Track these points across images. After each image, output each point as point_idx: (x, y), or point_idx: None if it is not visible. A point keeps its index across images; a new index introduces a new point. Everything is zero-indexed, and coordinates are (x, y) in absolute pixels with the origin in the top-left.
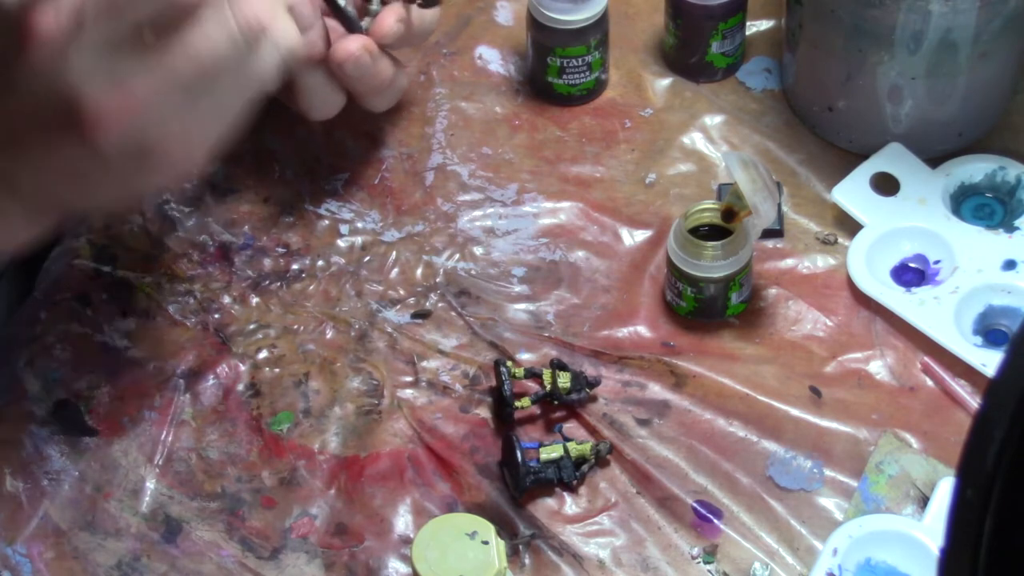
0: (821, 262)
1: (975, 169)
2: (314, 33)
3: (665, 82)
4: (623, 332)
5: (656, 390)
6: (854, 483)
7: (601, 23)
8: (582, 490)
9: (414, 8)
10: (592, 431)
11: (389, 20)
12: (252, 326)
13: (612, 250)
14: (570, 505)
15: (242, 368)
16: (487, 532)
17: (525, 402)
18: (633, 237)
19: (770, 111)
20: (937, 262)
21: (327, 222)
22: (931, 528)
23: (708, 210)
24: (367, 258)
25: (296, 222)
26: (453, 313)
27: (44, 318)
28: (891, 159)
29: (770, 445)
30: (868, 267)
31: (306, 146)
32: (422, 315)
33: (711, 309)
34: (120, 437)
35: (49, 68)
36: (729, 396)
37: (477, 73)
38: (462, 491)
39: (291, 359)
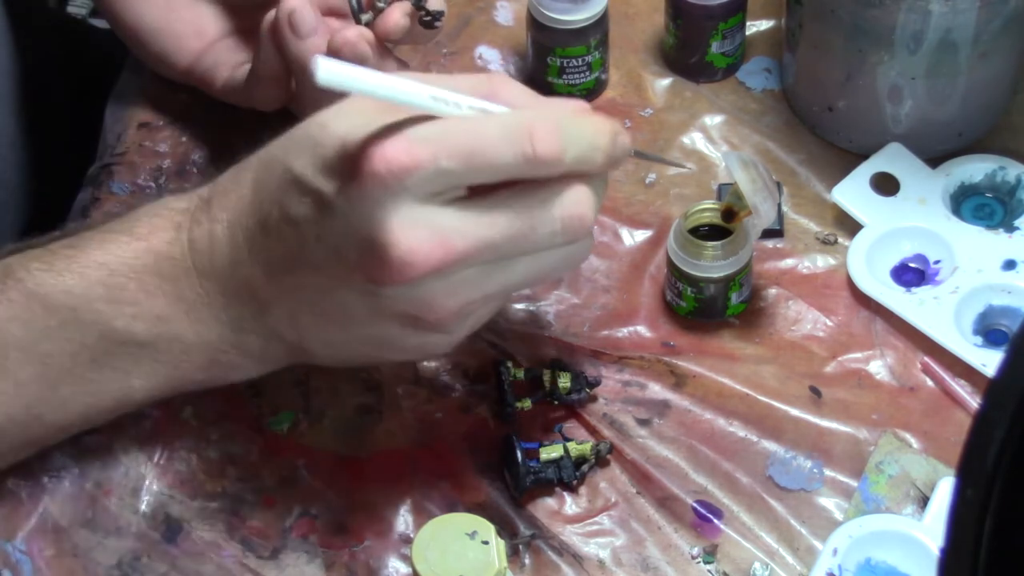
0: (821, 262)
1: (975, 169)
2: (318, 38)
3: (665, 82)
4: (623, 332)
5: (656, 390)
6: (854, 483)
7: (601, 23)
8: (582, 490)
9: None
10: (592, 431)
11: (395, 15)
12: None
13: (612, 250)
14: (570, 505)
15: None
16: (487, 532)
17: (525, 402)
18: (633, 237)
19: (770, 111)
20: (937, 262)
21: None
22: (931, 528)
23: (708, 210)
24: None
25: None
26: None
27: None
28: (891, 159)
29: (770, 445)
30: (868, 267)
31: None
32: None
33: (711, 309)
34: (121, 435)
35: (376, 201)
36: (729, 396)
37: (477, 73)
38: (462, 491)
39: None
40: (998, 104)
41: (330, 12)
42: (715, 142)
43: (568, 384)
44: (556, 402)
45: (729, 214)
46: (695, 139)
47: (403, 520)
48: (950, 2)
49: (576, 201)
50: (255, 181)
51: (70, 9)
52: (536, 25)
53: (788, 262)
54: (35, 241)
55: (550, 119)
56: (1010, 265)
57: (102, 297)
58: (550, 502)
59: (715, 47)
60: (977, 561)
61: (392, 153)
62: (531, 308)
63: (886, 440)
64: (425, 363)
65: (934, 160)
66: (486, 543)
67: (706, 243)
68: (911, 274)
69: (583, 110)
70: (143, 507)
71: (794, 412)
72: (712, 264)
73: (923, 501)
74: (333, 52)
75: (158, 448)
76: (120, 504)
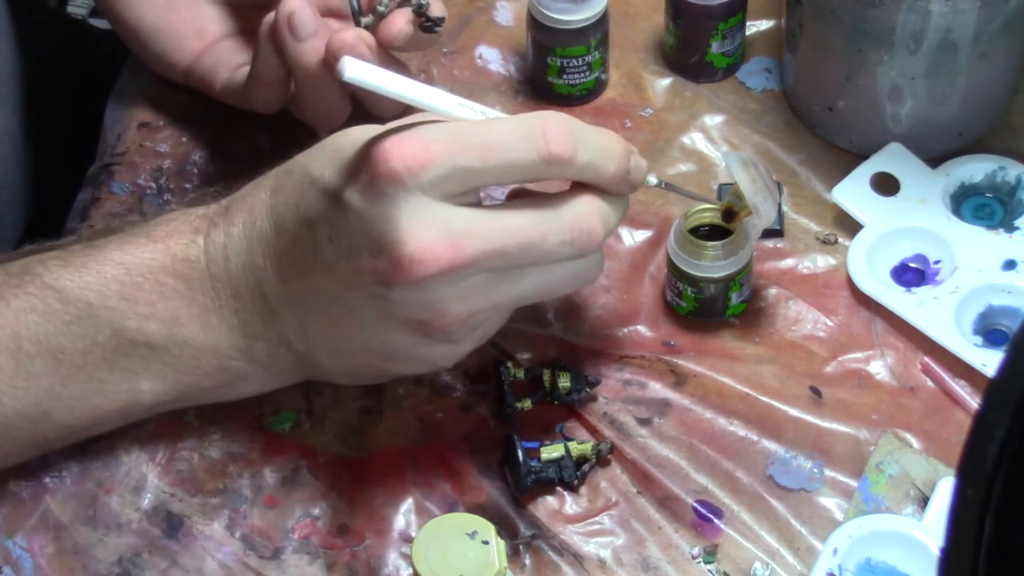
0: (821, 262)
1: (975, 169)
2: (317, 40)
3: (665, 82)
4: (623, 332)
5: (656, 389)
6: (854, 483)
7: (601, 23)
8: (583, 490)
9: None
10: (592, 431)
11: (399, 22)
12: None
13: (612, 250)
14: (571, 505)
15: None
16: (487, 532)
17: (525, 402)
18: (633, 237)
19: (770, 111)
20: (937, 262)
21: None
22: (931, 528)
23: (708, 210)
24: None
25: None
26: None
27: None
28: (891, 159)
29: (770, 445)
30: (868, 267)
31: (306, 146)
32: None
33: (711, 309)
34: (122, 435)
35: (390, 197)
36: (729, 396)
37: (477, 73)
38: (462, 491)
39: None
40: (998, 104)
41: (330, 13)
42: (715, 142)
43: (568, 384)
44: (556, 402)
45: (729, 214)
46: (695, 139)
47: (404, 520)
48: (950, 2)
49: (587, 212)
50: (274, 186)
51: (70, 9)
52: (536, 25)
53: (788, 262)
54: (52, 243)
55: (565, 121)
56: (1010, 265)
57: (117, 294)
58: (551, 502)
59: (715, 47)
60: (977, 561)
61: (409, 150)
62: (531, 308)
63: (886, 440)
64: None
65: (934, 160)
66: (486, 543)
67: (706, 243)
68: (911, 274)
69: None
70: (144, 505)
71: (794, 412)
72: (712, 264)
73: (923, 501)
74: (331, 54)
75: (160, 448)
76: (121, 502)
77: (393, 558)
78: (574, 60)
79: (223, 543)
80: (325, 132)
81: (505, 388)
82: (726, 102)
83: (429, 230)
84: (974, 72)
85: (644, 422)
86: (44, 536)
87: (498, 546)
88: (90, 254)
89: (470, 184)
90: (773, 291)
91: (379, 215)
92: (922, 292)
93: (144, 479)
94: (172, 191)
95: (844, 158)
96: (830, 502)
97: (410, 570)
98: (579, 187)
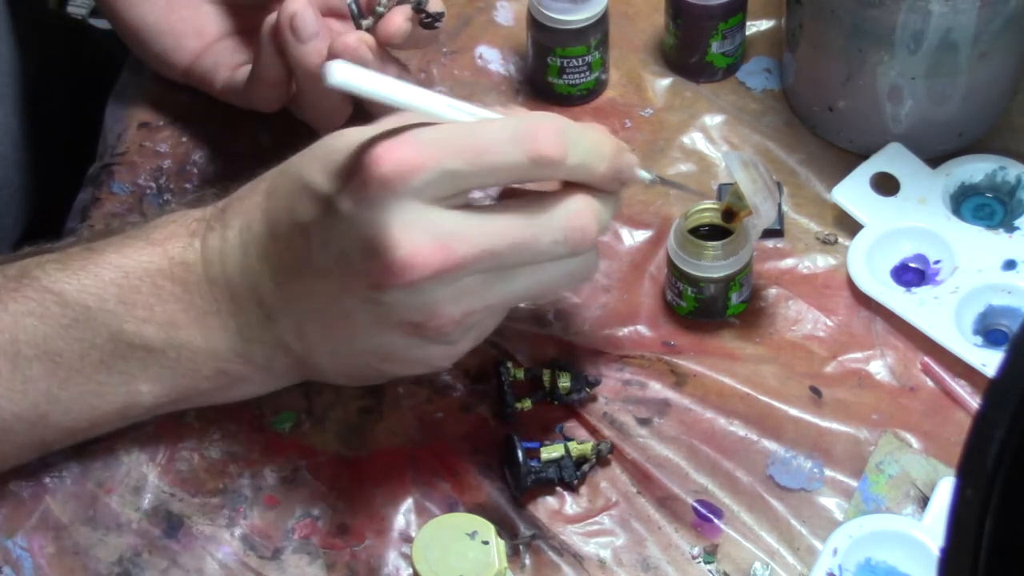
0: (821, 262)
1: (975, 169)
2: (319, 42)
3: (665, 82)
4: (623, 332)
5: (657, 389)
6: (854, 483)
7: (601, 23)
8: (583, 490)
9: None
10: (592, 431)
11: (397, 19)
12: None
13: (612, 250)
14: (571, 505)
15: None
16: (487, 532)
17: (525, 402)
18: (633, 237)
19: (770, 111)
20: (937, 262)
21: None
22: (931, 528)
23: (708, 210)
24: None
25: None
26: None
27: None
28: (891, 159)
29: (770, 445)
30: (868, 267)
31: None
32: None
33: (711, 309)
34: (122, 435)
35: (380, 201)
36: (729, 396)
37: (477, 73)
38: (462, 491)
39: None
40: (998, 104)
41: (331, 13)
42: (715, 142)
43: (568, 384)
44: (556, 402)
45: (729, 214)
46: (695, 139)
47: (404, 520)
48: (950, 2)
49: (579, 211)
50: (268, 189)
51: (70, 9)
52: (536, 25)
53: (788, 262)
54: (50, 246)
55: (554, 122)
56: (1010, 265)
57: (115, 297)
58: (550, 502)
59: (715, 47)
60: (977, 561)
61: (399, 154)
62: (531, 308)
63: (886, 440)
64: None
65: (934, 160)
66: (486, 543)
67: (706, 243)
68: (911, 274)
69: (592, 126)
70: (144, 505)
71: (794, 412)
72: (712, 264)
73: (923, 501)
74: (333, 57)
75: (160, 448)
76: (121, 502)
77: (393, 558)
78: (574, 60)
79: (223, 543)
80: (325, 132)
81: (505, 388)
82: (726, 102)
83: (420, 234)
84: (974, 72)
85: (644, 422)
86: (44, 536)
87: (498, 546)
88: (88, 257)
89: (460, 187)
90: (773, 291)
91: (370, 220)
92: (922, 292)
93: (144, 479)
94: (172, 191)
95: (844, 158)
96: (830, 502)
97: (410, 570)
98: (571, 186)
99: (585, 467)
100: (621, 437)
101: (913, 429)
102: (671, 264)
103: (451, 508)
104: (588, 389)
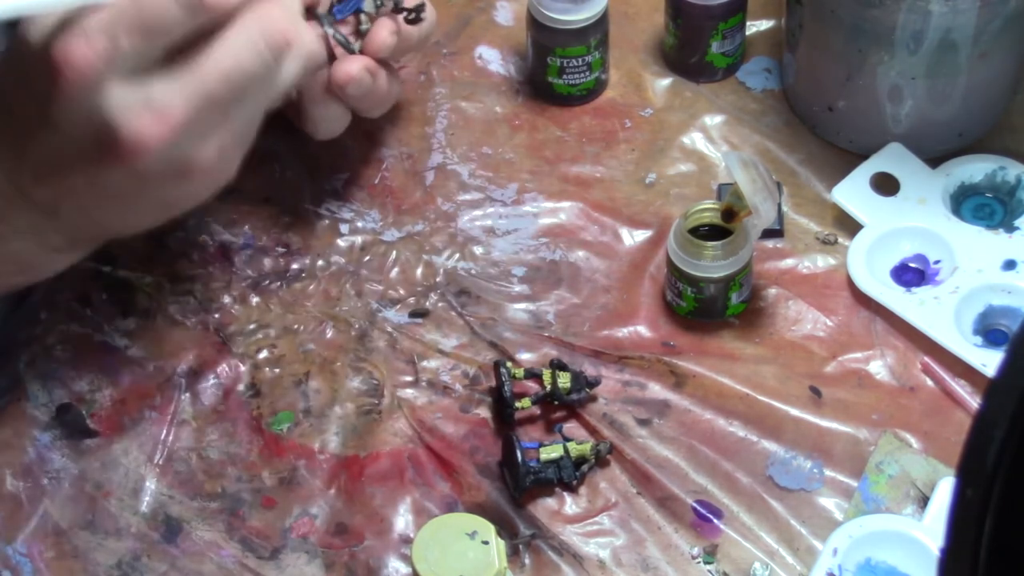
0: (821, 262)
1: (975, 169)
2: (324, 70)
3: (665, 82)
4: (623, 332)
5: (656, 390)
6: (854, 483)
7: (601, 23)
8: (582, 490)
9: (401, 23)
10: (592, 431)
11: (382, 34)
12: (252, 326)
13: (612, 250)
14: (570, 505)
15: (242, 368)
16: (487, 532)
17: (525, 402)
18: (633, 237)
19: (770, 111)
20: (937, 262)
21: (327, 222)
22: (931, 528)
23: (708, 210)
24: (367, 258)
25: (296, 222)
26: (453, 313)
27: (44, 318)
28: (891, 159)
29: (770, 445)
30: (868, 267)
31: (306, 146)
32: (419, 314)
33: (711, 309)
34: (120, 436)
35: (83, 99)
36: (729, 396)
37: (477, 73)
38: (462, 491)
39: (291, 359)
40: (998, 104)
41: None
42: (715, 142)
43: (568, 384)
44: (556, 402)
45: (729, 214)
46: (695, 139)
47: (403, 520)
48: (950, 2)
49: (260, 16)
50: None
51: None
52: (536, 25)
53: (788, 262)
54: None
55: None
56: (1010, 265)
57: None
58: (550, 502)
59: (715, 47)
60: (977, 561)
61: (75, 55)
62: (531, 308)
63: (886, 440)
64: (425, 363)
65: (934, 160)
66: (486, 543)
67: (706, 243)
68: (911, 274)
69: None
70: (143, 508)
71: (794, 412)
72: (712, 264)
73: (923, 501)
74: (339, 88)
75: (158, 449)
76: (120, 505)
77: (392, 558)
78: (574, 60)
79: (222, 546)
80: (323, 138)
81: (505, 388)
82: (726, 102)
83: (132, 111)
84: (974, 72)
85: (644, 422)
86: (43, 541)
87: (498, 546)
88: None
89: (145, 57)
90: (773, 291)
91: (83, 117)
92: (922, 292)
93: (142, 481)
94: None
95: (844, 158)
96: (830, 502)
97: (409, 570)
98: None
99: (584, 467)
100: (621, 437)
101: (913, 429)
102: (671, 264)
103: (451, 508)
104: (588, 389)
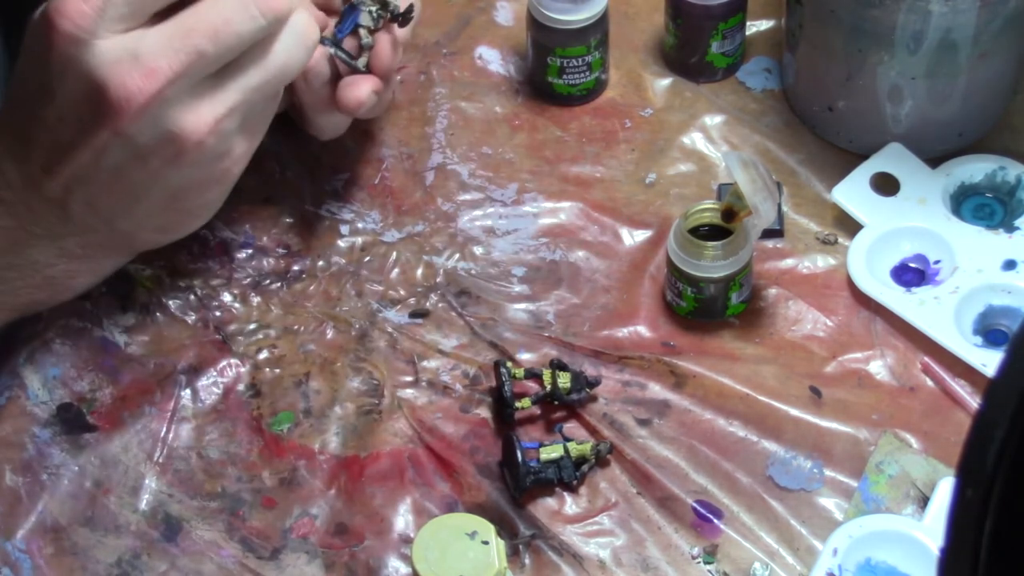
0: (821, 262)
1: (975, 169)
2: (330, 85)
3: (665, 82)
4: (623, 332)
5: (656, 390)
6: (854, 483)
7: (601, 23)
8: (582, 490)
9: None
10: (592, 431)
11: (387, 51)
12: (252, 326)
13: (612, 250)
14: (570, 505)
15: (242, 369)
16: (487, 532)
17: (525, 402)
18: (633, 237)
19: (770, 111)
20: (937, 262)
21: (327, 222)
22: (931, 528)
23: (708, 210)
24: (367, 258)
25: (296, 222)
26: (453, 313)
27: (43, 313)
28: (891, 159)
29: (770, 445)
30: (868, 267)
31: (306, 146)
32: (420, 314)
33: (711, 309)
34: (120, 433)
35: (77, 57)
36: (729, 396)
37: (477, 73)
38: (462, 491)
39: (291, 359)
40: (998, 104)
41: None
42: (715, 142)
43: (568, 384)
44: (556, 402)
45: (729, 214)
46: (695, 139)
47: (403, 520)
48: (950, 2)
49: None
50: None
51: None
52: (536, 25)
53: (788, 262)
54: None
55: None
56: (1010, 265)
57: None
58: (550, 502)
59: (715, 47)
60: (977, 561)
61: (69, 7)
62: (531, 308)
63: (886, 440)
64: (425, 363)
65: (934, 160)
66: (486, 543)
67: (706, 243)
68: (911, 274)
69: None
70: (142, 506)
71: (794, 412)
72: (712, 264)
73: (923, 501)
74: (349, 112)
75: (158, 447)
76: (119, 503)
77: (392, 558)
78: (574, 60)
79: (222, 546)
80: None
81: (505, 388)
82: (726, 102)
83: (121, 65)
84: (974, 72)
85: (644, 423)
86: (43, 537)
87: (498, 546)
88: None
89: (138, 10)
90: (773, 291)
91: (78, 81)
92: (922, 292)
93: (142, 479)
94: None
95: (844, 158)
96: (830, 502)
97: (409, 570)
98: None
99: (584, 467)
100: (621, 437)
101: (913, 429)
102: (671, 264)
103: (451, 508)
104: (588, 389)
